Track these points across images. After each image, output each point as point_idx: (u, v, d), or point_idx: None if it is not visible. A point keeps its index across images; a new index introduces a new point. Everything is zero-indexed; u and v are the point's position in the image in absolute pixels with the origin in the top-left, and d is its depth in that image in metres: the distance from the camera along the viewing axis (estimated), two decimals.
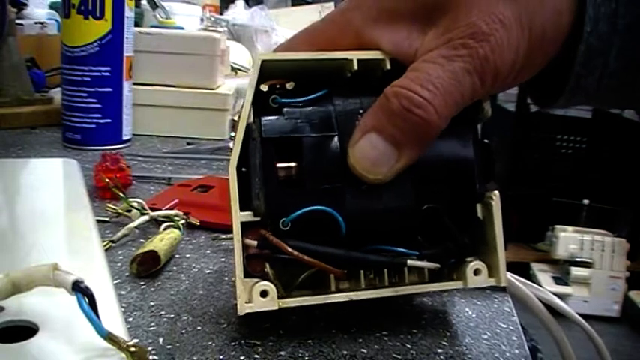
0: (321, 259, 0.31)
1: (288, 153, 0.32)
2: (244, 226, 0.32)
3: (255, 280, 0.32)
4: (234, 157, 0.32)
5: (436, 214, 0.32)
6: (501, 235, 0.33)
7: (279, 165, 0.32)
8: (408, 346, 0.34)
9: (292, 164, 0.32)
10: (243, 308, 0.31)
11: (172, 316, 0.35)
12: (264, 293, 0.31)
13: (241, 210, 0.32)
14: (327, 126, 0.32)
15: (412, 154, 0.30)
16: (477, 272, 0.33)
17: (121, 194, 0.51)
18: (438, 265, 0.33)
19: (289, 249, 0.31)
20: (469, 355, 0.34)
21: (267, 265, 0.32)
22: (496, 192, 0.33)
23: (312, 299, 0.32)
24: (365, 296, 0.33)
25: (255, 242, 0.32)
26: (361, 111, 0.32)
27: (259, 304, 0.31)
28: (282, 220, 0.31)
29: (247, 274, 0.32)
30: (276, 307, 0.31)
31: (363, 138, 0.30)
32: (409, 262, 0.32)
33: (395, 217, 0.32)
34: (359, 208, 0.32)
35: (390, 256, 0.33)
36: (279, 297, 0.32)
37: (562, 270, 2.62)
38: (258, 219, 0.32)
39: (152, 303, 0.37)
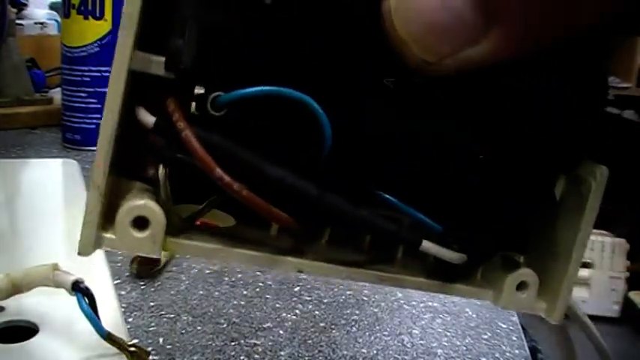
0: (266, 191, 0.18)
1: None
2: (142, 82, 0.17)
3: (135, 192, 0.18)
4: None
5: (495, 173, 0.20)
6: (585, 240, 0.20)
7: None
8: (408, 346, 0.34)
9: None
10: (90, 241, 0.18)
11: (172, 316, 0.35)
12: (140, 222, 0.17)
13: (145, 49, 0.17)
14: None
15: (511, 36, 0.16)
16: (521, 287, 0.20)
17: None
18: (465, 256, 0.20)
19: (206, 156, 0.17)
20: (469, 355, 0.33)
21: (161, 170, 0.19)
22: (603, 167, 0.20)
23: (225, 251, 0.20)
24: (325, 273, 0.19)
25: (152, 119, 0.17)
26: None
27: (125, 242, 0.18)
28: (216, 95, 0.17)
29: (126, 172, 0.19)
30: (156, 256, 0.18)
31: None
32: (424, 243, 0.19)
33: (428, 154, 0.19)
34: (372, 116, 0.19)
35: (395, 220, 0.19)
36: (172, 233, 0.18)
37: None
38: (170, 76, 0.17)
39: (152, 303, 0.37)
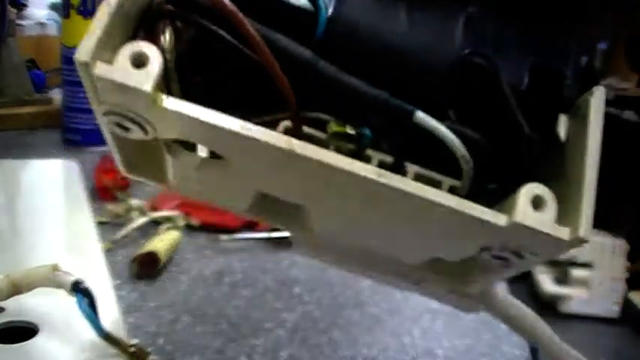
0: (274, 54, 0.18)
1: None
2: None
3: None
4: None
5: (487, 76, 0.20)
6: (596, 160, 0.19)
7: None
8: (408, 346, 0.34)
9: None
10: (89, 48, 0.18)
11: (172, 316, 0.35)
12: (138, 62, 0.18)
13: None
14: None
15: None
16: (537, 204, 0.18)
17: (121, 195, 0.51)
18: (468, 157, 0.19)
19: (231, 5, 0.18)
20: (469, 356, 0.33)
21: (168, 32, 0.19)
22: (600, 87, 0.20)
23: (217, 119, 0.18)
24: (318, 157, 0.18)
25: None
26: None
27: (120, 71, 0.18)
28: None
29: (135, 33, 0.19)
30: (149, 90, 0.17)
31: None
32: (418, 113, 0.19)
33: (417, 53, 0.19)
34: (361, 11, 0.20)
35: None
36: (168, 90, 0.19)
37: (562, 271, 2.63)
38: None
39: (152, 304, 0.37)
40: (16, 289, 0.27)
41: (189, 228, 0.48)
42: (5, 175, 0.50)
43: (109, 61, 0.18)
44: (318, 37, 0.19)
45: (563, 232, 0.18)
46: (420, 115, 0.19)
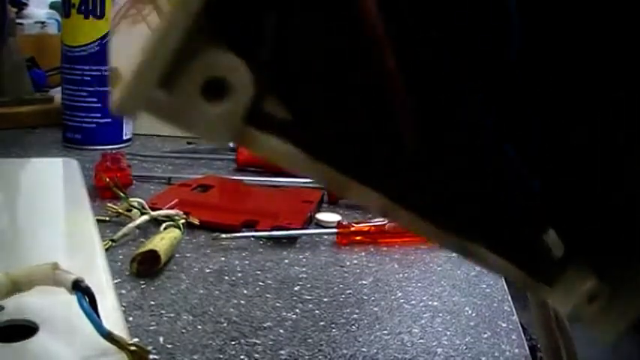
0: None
1: None
2: None
3: (213, 48, 0.12)
4: None
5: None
6: None
7: None
8: (408, 345, 0.34)
9: None
10: (140, 93, 0.12)
11: (172, 315, 0.35)
12: (213, 89, 0.12)
13: None
14: None
15: None
16: (592, 299, 0.18)
17: (122, 194, 0.51)
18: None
19: None
20: (469, 355, 0.34)
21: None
22: None
23: (308, 163, 0.14)
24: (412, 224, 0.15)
25: None
26: None
27: (187, 111, 0.12)
28: None
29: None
30: (222, 144, 0.14)
31: None
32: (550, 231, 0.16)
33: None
34: None
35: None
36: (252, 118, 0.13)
37: None
38: None
39: (152, 302, 0.37)
40: (16, 287, 0.27)
41: (189, 226, 0.48)
42: (5, 175, 0.51)
43: (169, 88, 0.12)
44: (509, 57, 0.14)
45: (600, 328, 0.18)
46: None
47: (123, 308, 0.35)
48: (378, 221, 0.48)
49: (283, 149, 0.13)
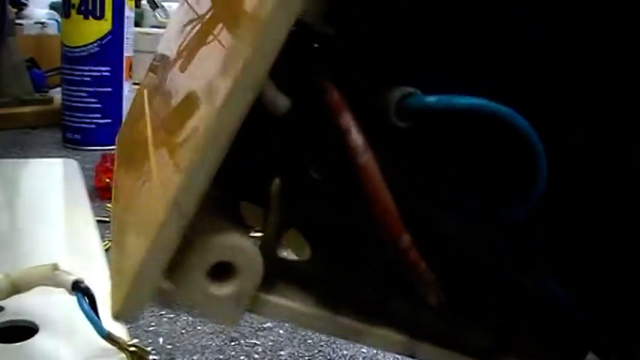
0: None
1: None
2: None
3: (214, 221, 0.12)
4: None
5: None
6: None
7: None
8: None
9: None
10: (141, 298, 0.11)
11: (172, 316, 0.35)
12: (220, 271, 0.11)
13: None
14: None
15: None
16: None
17: None
18: None
19: (384, 192, 0.11)
20: None
21: (276, 185, 0.13)
22: None
23: (326, 319, 0.13)
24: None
25: (285, 103, 0.12)
26: None
27: (195, 298, 0.12)
28: (408, 94, 0.12)
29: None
30: (231, 325, 0.13)
31: None
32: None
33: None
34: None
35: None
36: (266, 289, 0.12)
37: None
38: (329, 33, 0.12)
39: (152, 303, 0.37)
40: (16, 288, 0.27)
41: None
42: (5, 175, 0.50)
43: (173, 276, 0.11)
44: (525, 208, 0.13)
45: None
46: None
47: None
48: None
49: (299, 310, 0.13)
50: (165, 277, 0.11)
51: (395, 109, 0.11)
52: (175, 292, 0.11)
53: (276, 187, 0.12)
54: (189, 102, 0.12)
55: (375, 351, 0.33)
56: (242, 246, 0.11)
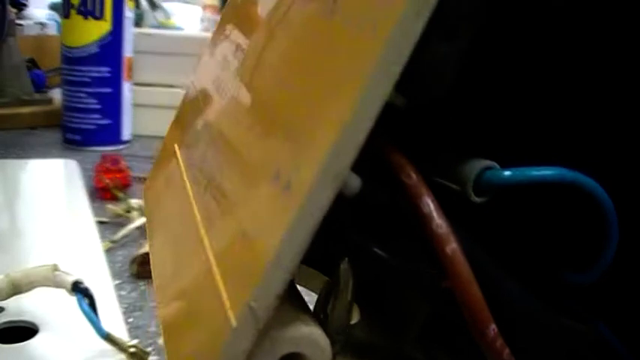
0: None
1: None
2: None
3: (282, 308, 0.11)
4: None
5: None
6: None
7: None
8: None
9: None
10: None
11: None
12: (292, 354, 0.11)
13: None
14: None
15: None
16: None
17: (121, 195, 0.51)
18: None
19: (474, 288, 0.11)
20: None
21: (344, 267, 0.12)
22: None
23: None
24: None
25: (357, 183, 0.11)
26: None
27: None
28: (487, 167, 0.12)
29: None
30: None
31: None
32: None
33: None
34: None
35: None
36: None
37: None
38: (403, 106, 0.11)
39: (152, 304, 0.37)
40: (16, 288, 0.27)
41: None
42: (5, 175, 0.51)
43: None
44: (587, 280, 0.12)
45: None
46: None
47: (122, 309, 0.35)
48: None
49: None
50: None
51: (473, 184, 0.11)
52: None
53: (345, 271, 0.12)
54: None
55: None
56: (313, 337, 0.11)
